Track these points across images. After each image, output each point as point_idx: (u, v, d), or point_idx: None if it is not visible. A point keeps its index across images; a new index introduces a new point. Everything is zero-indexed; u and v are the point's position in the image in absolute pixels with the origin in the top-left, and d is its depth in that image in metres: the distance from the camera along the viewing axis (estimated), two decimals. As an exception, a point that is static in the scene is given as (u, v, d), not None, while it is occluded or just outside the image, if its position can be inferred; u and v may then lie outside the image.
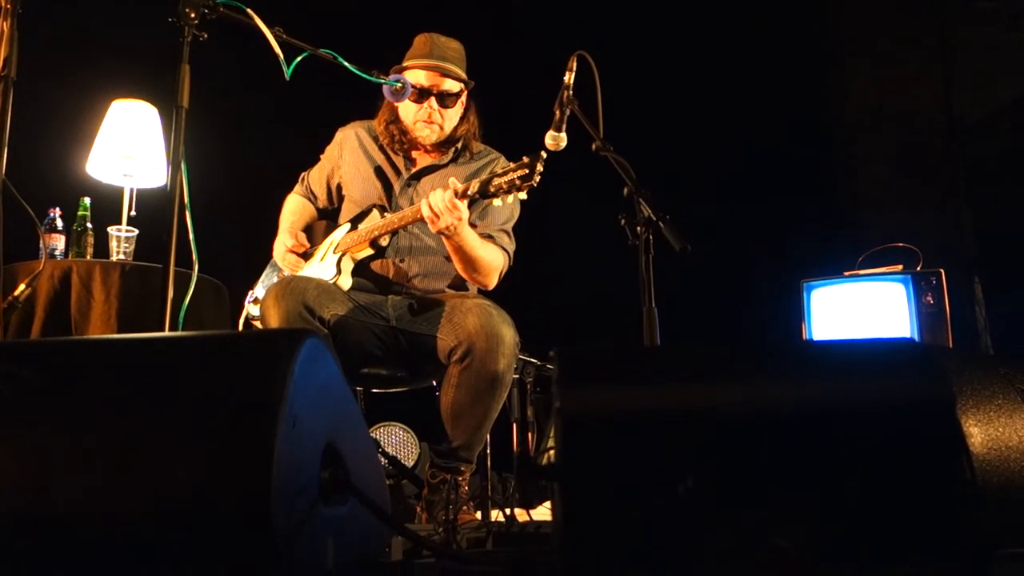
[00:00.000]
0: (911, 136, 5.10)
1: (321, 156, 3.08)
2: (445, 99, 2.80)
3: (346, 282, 2.72)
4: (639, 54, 4.66)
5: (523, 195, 2.45)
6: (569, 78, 2.35)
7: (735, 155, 4.93)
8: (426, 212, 2.52)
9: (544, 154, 2.39)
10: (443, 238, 2.60)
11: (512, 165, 2.46)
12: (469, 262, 2.67)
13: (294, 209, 3.07)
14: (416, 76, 2.77)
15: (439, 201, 2.50)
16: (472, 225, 2.76)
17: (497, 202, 2.50)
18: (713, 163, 4.97)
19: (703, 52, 4.98)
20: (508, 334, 2.53)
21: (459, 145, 2.88)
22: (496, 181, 2.46)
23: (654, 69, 4.83)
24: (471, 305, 2.59)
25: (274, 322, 2.47)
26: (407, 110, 2.83)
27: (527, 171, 2.40)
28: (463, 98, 2.87)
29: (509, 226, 2.85)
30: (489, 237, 2.76)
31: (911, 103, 5.10)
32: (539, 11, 4.99)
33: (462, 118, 2.88)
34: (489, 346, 2.49)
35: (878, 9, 5.20)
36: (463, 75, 2.83)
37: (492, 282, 2.77)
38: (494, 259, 2.74)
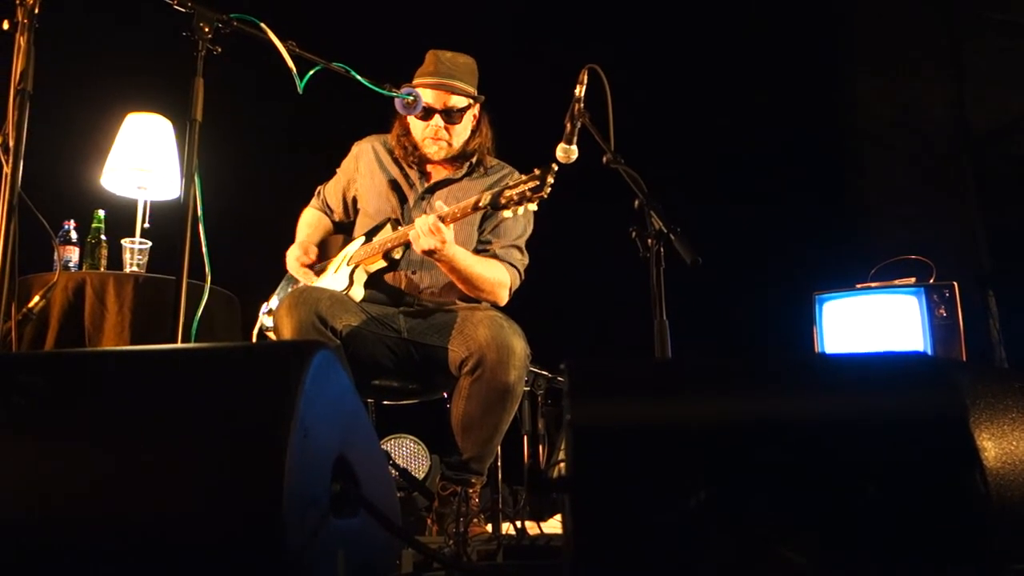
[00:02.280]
0: (924, 146, 5.08)
1: (337, 170, 3.09)
2: (452, 115, 2.80)
3: (358, 293, 2.73)
4: (650, 65, 4.66)
5: (533, 206, 2.46)
6: (580, 91, 2.36)
7: (747, 166, 4.92)
8: (411, 233, 2.55)
9: (555, 166, 2.40)
10: (433, 259, 2.61)
11: (523, 177, 2.47)
12: (466, 280, 2.68)
13: (310, 222, 3.09)
14: (423, 94, 2.78)
15: (422, 224, 2.51)
16: (487, 241, 2.77)
17: (508, 214, 2.50)
18: (725, 174, 4.97)
19: (715, 63, 4.97)
20: (519, 346, 2.53)
21: (473, 160, 2.89)
22: (507, 193, 2.47)
23: (665, 80, 4.83)
24: (482, 317, 2.59)
25: (287, 332, 2.48)
26: (416, 126, 2.84)
27: (538, 183, 2.41)
28: (474, 111, 2.87)
29: (522, 241, 2.85)
30: (493, 256, 2.77)
31: (924, 113, 5.08)
32: (551, 25, 5.00)
33: (474, 132, 2.88)
34: (500, 358, 2.50)
35: (890, 20, 5.19)
36: (470, 90, 2.83)
37: (500, 298, 2.77)
38: (496, 276, 2.73)
